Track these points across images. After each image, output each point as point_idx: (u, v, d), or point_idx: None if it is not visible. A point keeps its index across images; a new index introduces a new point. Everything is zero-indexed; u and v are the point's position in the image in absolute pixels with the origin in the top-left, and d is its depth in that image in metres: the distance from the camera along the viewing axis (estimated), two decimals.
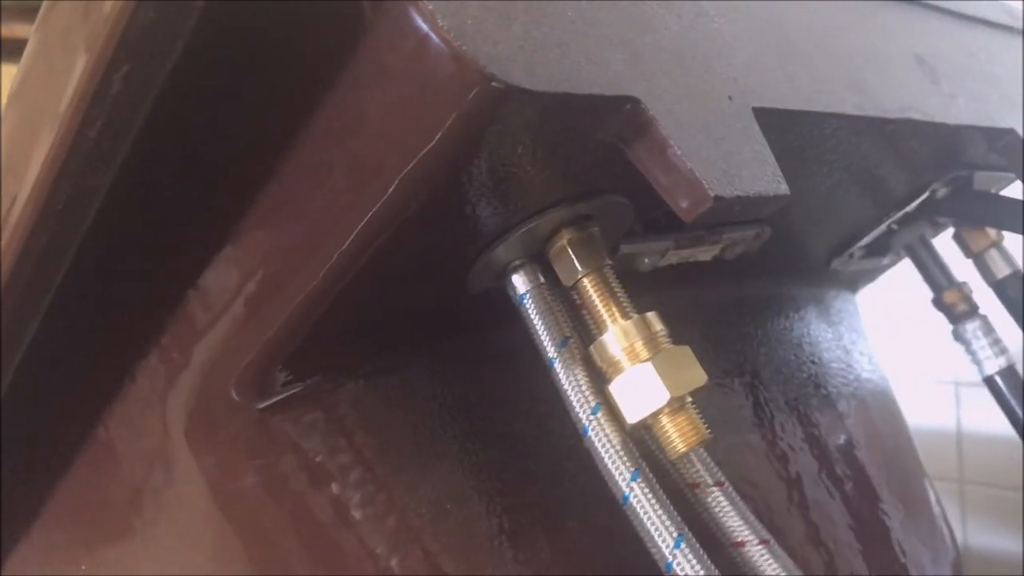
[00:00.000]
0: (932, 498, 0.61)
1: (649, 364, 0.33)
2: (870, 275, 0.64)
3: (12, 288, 0.35)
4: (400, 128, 0.29)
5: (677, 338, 0.51)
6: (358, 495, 0.39)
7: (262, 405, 0.39)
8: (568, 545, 0.41)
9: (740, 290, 0.53)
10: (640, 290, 0.41)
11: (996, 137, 0.51)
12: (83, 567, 0.47)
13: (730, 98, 0.34)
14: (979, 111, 0.50)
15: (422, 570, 0.39)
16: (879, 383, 0.61)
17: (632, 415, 0.34)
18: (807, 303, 0.58)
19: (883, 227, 0.56)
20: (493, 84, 0.27)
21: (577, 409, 0.35)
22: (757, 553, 0.35)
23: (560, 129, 0.30)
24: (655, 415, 0.34)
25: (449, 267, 0.36)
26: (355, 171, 0.31)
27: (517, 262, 0.36)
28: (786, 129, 0.38)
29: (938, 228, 0.60)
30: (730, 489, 0.35)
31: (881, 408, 0.61)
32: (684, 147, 0.30)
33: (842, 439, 0.58)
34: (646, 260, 0.41)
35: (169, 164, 0.33)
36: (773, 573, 0.36)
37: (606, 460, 0.35)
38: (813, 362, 0.56)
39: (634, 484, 0.34)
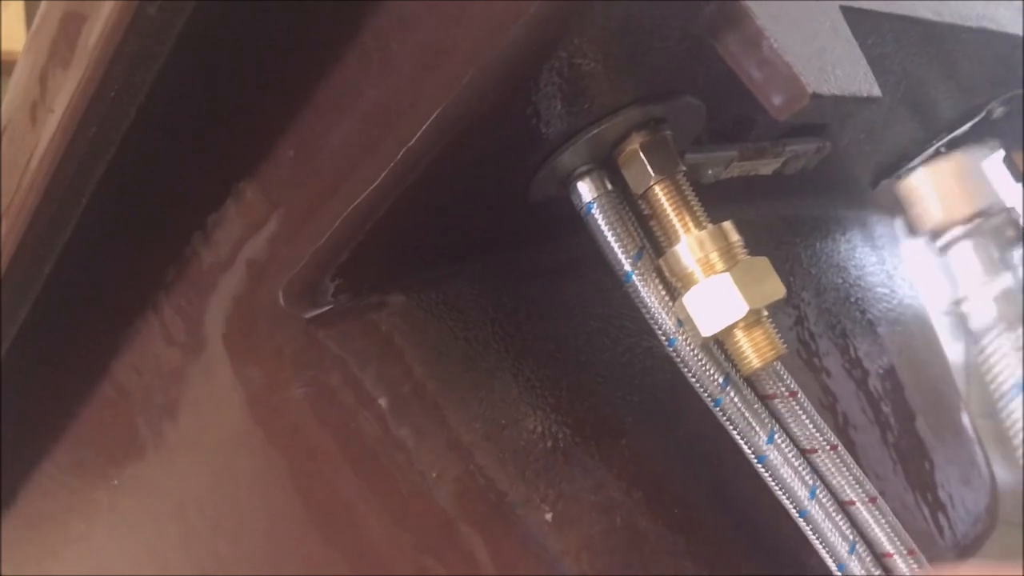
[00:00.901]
0: (969, 426, 0.60)
1: (727, 275, 0.32)
2: None
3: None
4: (477, 14, 0.26)
5: None
6: (407, 410, 0.38)
7: (310, 315, 0.37)
8: (621, 462, 0.39)
9: (790, 209, 0.52)
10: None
11: None
12: (115, 482, 0.46)
13: None
14: None
15: (473, 487, 0.38)
16: (919, 310, 0.60)
17: (707, 328, 0.32)
18: (853, 225, 0.56)
19: (932, 149, 0.55)
20: None
21: (662, 322, 0.34)
22: (829, 460, 0.34)
23: (649, 19, 0.28)
24: (730, 328, 0.32)
25: (512, 172, 0.34)
26: (424, 61, 0.29)
27: (583, 168, 0.34)
28: (865, 32, 0.36)
29: (988, 148, 0.58)
30: (803, 398, 0.34)
31: (922, 335, 0.60)
32: (780, 40, 0.28)
33: (884, 364, 0.57)
34: (710, 171, 0.39)
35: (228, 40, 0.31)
36: (842, 479, 0.35)
37: (696, 369, 0.34)
38: (859, 285, 0.55)
39: (728, 389, 0.33)
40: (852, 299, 0.55)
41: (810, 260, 0.52)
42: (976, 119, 0.53)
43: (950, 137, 0.54)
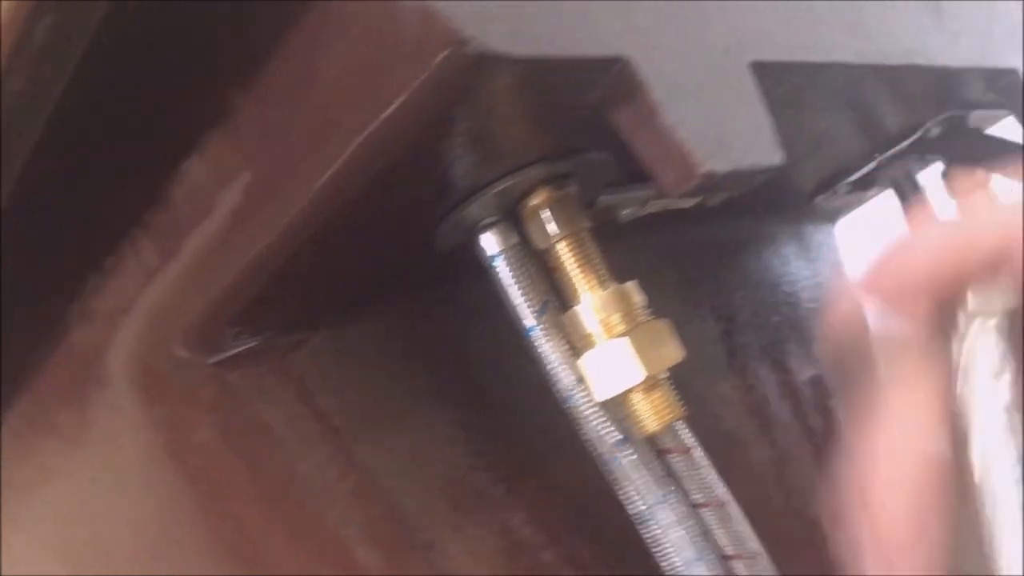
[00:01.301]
0: None
1: (626, 339, 0.31)
2: (852, 207, 0.62)
3: None
4: (358, 90, 0.26)
5: (654, 282, 0.49)
6: (317, 451, 0.37)
7: (214, 360, 0.36)
8: (529, 503, 0.39)
9: (719, 231, 0.51)
10: (615, 234, 0.38)
11: (996, 77, 0.49)
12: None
13: (727, 52, 0.31)
14: (981, 50, 0.47)
15: (383, 527, 0.38)
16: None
17: (603, 392, 0.32)
18: (786, 240, 0.56)
19: (871, 165, 0.54)
20: (467, 48, 0.23)
21: (561, 378, 0.33)
22: (711, 517, 0.34)
23: (541, 93, 0.27)
24: (628, 392, 0.32)
25: (414, 224, 0.33)
26: (310, 133, 0.28)
27: (489, 220, 0.34)
28: (782, 80, 0.35)
29: (927, 163, 0.58)
30: (699, 453, 0.34)
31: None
32: (675, 114, 0.28)
33: (813, 374, 0.57)
34: (626, 211, 0.39)
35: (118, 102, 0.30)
36: (729, 534, 0.35)
37: (595, 428, 0.33)
38: (789, 303, 0.55)
39: (623, 448, 0.33)
40: (782, 317, 0.55)
41: (738, 282, 0.52)
42: (913, 138, 0.52)
43: (890, 153, 0.54)
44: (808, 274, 0.57)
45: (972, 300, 0.28)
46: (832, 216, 0.61)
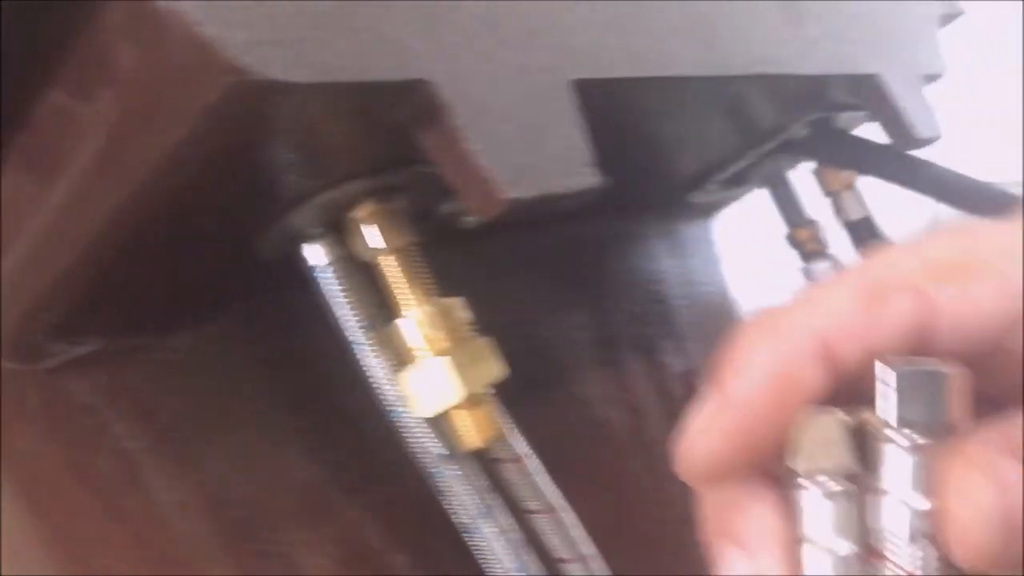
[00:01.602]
0: None
1: (445, 358, 0.31)
2: (727, 203, 0.63)
3: None
4: (139, 120, 0.25)
5: (525, 282, 0.49)
6: (155, 458, 0.37)
7: (39, 367, 0.35)
8: (374, 510, 0.39)
9: (590, 229, 0.51)
10: (483, 235, 0.38)
11: (858, 82, 0.49)
12: None
13: (546, 71, 0.31)
14: (842, 56, 0.47)
15: (225, 533, 0.38)
16: (725, 316, 0.61)
17: (424, 409, 0.32)
18: (655, 238, 0.56)
19: (741, 163, 0.55)
20: (244, 78, 0.23)
21: (387, 394, 0.33)
22: (544, 524, 0.35)
23: (340, 116, 0.27)
24: (450, 410, 0.32)
25: (237, 233, 0.33)
26: (106, 151, 0.27)
27: (314, 232, 0.33)
28: (615, 96, 0.35)
29: (798, 162, 0.59)
30: (532, 461, 0.34)
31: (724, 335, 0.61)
32: (479, 139, 0.27)
33: (684, 369, 0.58)
34: (469, 218, 0.38)
35: None
36: (560, 540, 0.36)
37: (418, 442, 0.33)
38: (660, 300, 0.55)
39: (448, 463, 0.33)
40: (655, 312, 0.55)
41: (608, 282, 0.52)
42: (780, 138, 0.53)
43: (757, 153, 0.54)
44: (680, 271, 0.58)
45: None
46: (707, 212, 0.62)
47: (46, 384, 0.36)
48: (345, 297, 0.33)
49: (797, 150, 0.54)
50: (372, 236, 0.32)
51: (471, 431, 0.32)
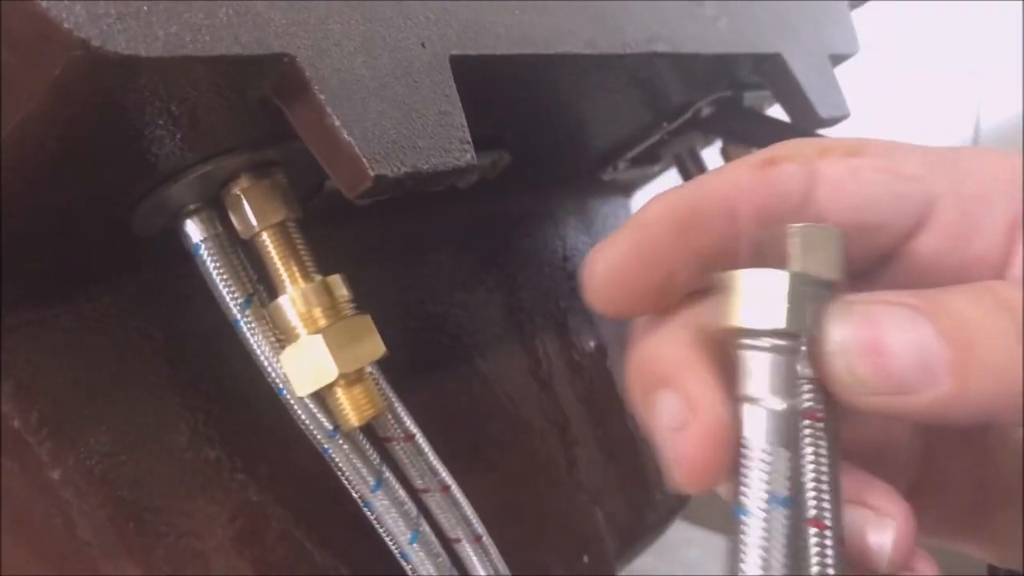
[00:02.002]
0: None
1: (320, 336, 0.31)
2: (642, 181, 0.63)
3: None
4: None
5: (427, 260, 0.49)
6: (31, 442, 0.36)
7: None
8: (262, 487, 0.39)
9: (495, 207, 0.51)
10: (380, 210, 0.38)
11: (759, 62, 0.50)
12: None
13: (423, 45, 0.30)
14: (743, 36, 0.47)
15: (109, 517, 0.37)
16: None
17: (301, 388, 0.32)
18: (567, 215, 0.56)
19: (650, 141, 0.55)
20: (86, 51, 0.22)
21: (271, 373, 0.33)
22: (440, 500, 0.35)
23: (203, 90, 0.26)
24: (328, 387, 0.32)
25: (109, 209, 0.32)
26: None
27: (192, 206, 0.33)
28: (501, 74, 0.35)
29: (709, 140, 0.59)
30: (420, 440, 0.34)
31: None
32: (345, 114, 0.27)
33: (594, 344, 0.58)
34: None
35: None
36: (452, 518, 0.36)
37: (305, 419, 0.33)
38: (570, 277, 0.55)
39: (336, 439, 0.33)
40: (567, 288, 0.55)
41: (520, 260, 0.52)
42: (686, 116, 0.53)
43: (664, 131, 0.55)
44: (592, 248, 0.58)
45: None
46: (623, 190, 0.62)
47: None
48: (221, 274, 0.32)
49: (705, 128, 0.54)
50: (248, 212, 0.32)
51: (347, 410, 0.32)
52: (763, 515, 0.23)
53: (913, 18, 1.02)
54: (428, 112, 0.29)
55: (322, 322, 0.32)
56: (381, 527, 0.34)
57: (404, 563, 0.34)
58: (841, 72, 0.57)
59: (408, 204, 0.45)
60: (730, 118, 0.54)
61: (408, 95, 0.29)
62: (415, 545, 0.34)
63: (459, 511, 0.36)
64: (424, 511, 0.36)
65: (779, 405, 0.23)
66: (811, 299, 0.23)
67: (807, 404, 0.23)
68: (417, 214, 0.48)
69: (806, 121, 0.51)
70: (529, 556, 0.48)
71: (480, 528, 0.37)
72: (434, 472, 0.36)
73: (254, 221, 0.32)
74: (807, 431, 0.23)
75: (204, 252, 0.33)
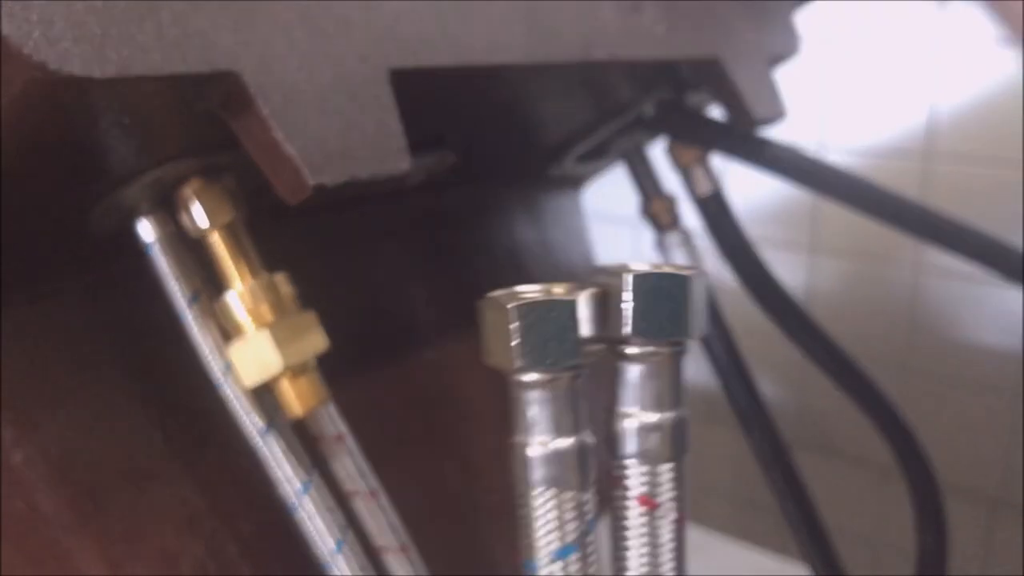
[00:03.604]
0: None
1: (267, 331, 0.33)
2: (590, 176, 0.65)
3: None
4: None
5: (376, 254, 0.51)
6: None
7: None
8: (206, 475, 0.41)
9: (444, 201, 0.53)
10: (323, 207, 0.40)
11: (698, 66, 0.52)
12: None
13: (363, 60, 0.32)
14: (680, 40, 0.50)
15: (61, 500, 0.39)
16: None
17: (248, 379, 0.34)
18: (515, 209, 0.58)
19: (596, 138, 0.57)
20: (43, 74, 0.24)
21: (211, 366, 0.35)
22: (362, 506, 0.36)
23: (154, 104, 0.28)
24: (274, 380, 0.34)
25: (67, 210, 0.34)
26: None
27: (145, 207, 0.34)
28: (442, 83, 0.37)
29: (654, 137, 0.62)
30: (350, 441, 0.36)
31: None
32: (287, 127, 0.29)
33: None
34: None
35: None
36: (376, 524, 0.38)
37: (239, 413, 0.35)
38: (517, 268, 0.58)
39: (267, 436, 0.35)
40: (511, 280, 0.57)
41: (473, 247, 0.54)
42: (628, 116, 0.55)
43: (607, 130, 0.57)
44: (540, 240, 0.60)
45: None
46: (571, 184, 0.64)
47: None
48: (171, 271, 0.34)
49: (649, 127, 0.57)
50: (198, 213, 0.34)
51: (293, 400, 0.34)
52: None
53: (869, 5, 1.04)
54: (367, 123, 0.32)
55: (268, 317, 0.34)
56: (307, 531, 0.36)
57: (326, 570, 0.36)
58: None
59: (356, 199, 0.47)
60: (672, 118, 0.56)
61: (348, 107, 0.31)
62: (339, 555, 0.35)
63: (385, 518, 0.38)
64: (351, 517, 0.37)
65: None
66: None
67: None
68: (366, 208, 0.50)
69: (742, 121, 0.53)
70: (477, 537, 0.51)
71: (405, 538, 0.38)
72: (363, 476, 0.37)
73: (204, 222, 0.34)
74: None
75: (156, 250, 0.34)
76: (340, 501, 0.36)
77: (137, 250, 0.36)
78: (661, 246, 0.61)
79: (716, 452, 1.17)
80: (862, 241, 1.08)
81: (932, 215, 0.54)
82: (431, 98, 0.40)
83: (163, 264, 0.34)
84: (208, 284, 0.35)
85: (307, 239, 0.48)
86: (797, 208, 1.12)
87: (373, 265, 0.52)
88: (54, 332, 0.39)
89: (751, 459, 0.60)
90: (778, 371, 1.13)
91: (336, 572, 0.35)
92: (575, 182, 0.65)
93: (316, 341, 0.34)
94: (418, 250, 0.53)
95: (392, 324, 0.52)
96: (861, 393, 0.59)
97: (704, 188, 0.59)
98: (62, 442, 0.39)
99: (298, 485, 0.34)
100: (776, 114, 0.56)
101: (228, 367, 0.34)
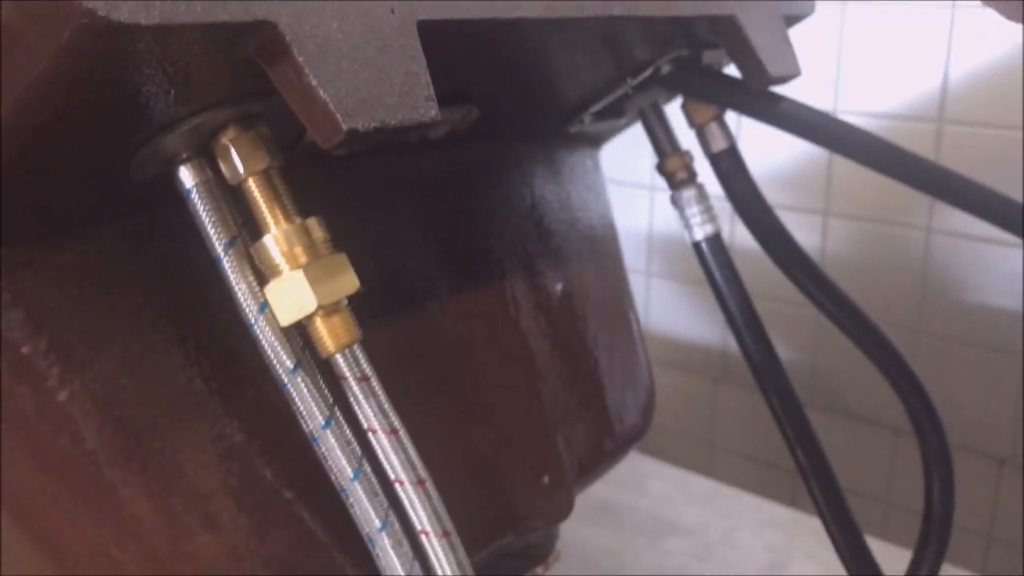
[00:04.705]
0: (635, 332, 0.67)
1: (301, 272, 0.35)
2: (609, 134, 0.66)
3: None
4: (13, 50, 0.27)
5: (401, 206, 0.53)
6: (40, 372, 0.40)
7: None
8: (243, 413, 0.43)
9: (465, 155, 0.54)
10: (356, 159, 0.41)
11: (714, 24, 0.53)
12: None
13: (392, 11, 0.34)
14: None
15: (107, 439, 0.41)
16: (604, 239, 0.65)
17: (283, 318, 0.35)
18: (535, 164, 0.60)
19: (614, 96, 0.58)
20: (92, 20, 0.26)
21: (244, 308, 0.37)
22: (384, 441, 0.38)
23: (192, 53, 0.30)
24: (308, 318, 0.36)
25: (110, 157, 0.35)
26: None
27: (185, 155, 0.36)
28: (466, 36, 0.39)
29: (671, 95, 0.63)
30: (373, 383, 0.38)
31: (601, 262, 0.65)
32: (321, 74, 0.31)
33: (565, 294, 0.62)
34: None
35: None
36: (397, 460, 0.39)
37: (269, 352, 0.37)
38: (537, 224, 0.59)
39: (294, 375, 0.37)
40: (535, 234, 0.59)
41: (496, 202, 0.56)
42: (646, 74, 0.57)
43: (625, 88, 0.58)
44: (559, 196, 0.62)
45: None
46: (591, 142, 0.66)
47: None
48: (210, 217, 0.36)
49: (666, 85, 0.58)
50: (235, 160, 0.35)
51: (326, 337, 0.36)
52: None
53: None
54: (396, 72, 0.33)
55: (303, 259, 0.35)
56: (327, 462, 0.38)
57: (344, 497, 0.38)
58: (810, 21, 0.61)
59: (383, 153, 0.48)
60: (689, 76, 0.57)
61: (378, 57, 0.33)
62: (356, 483, 0.37)
63: (403, 455, 0.39)
64: (371, 453, 0.39)
65: None
66: None
67: None
68: (392, 163, 0.52)
69: (757, 79, 0.54)
70: (492, 476, 0.53)
71: (424, 473, 0.40)
72: (384, 414, 0.39)
73: (241, 168, 0.35)
74: None
75: (195, 196, 0.36)
76: (360, 438, 0.38)
77: (176, 197, 0.38)
78: (676, 202, 0.62)
79: (730, 410, 1.19)
80: (875, 204, 1.09)
81: (943, 171, 0.55)
82: (452, 56, 0.42)
83: (201, 210, 0.36)
84: (243, 230, 0.37)
85: (333, 192, 0.49)
86: (810, 173, 1.13)
87: (396, 217, 0.53)
88: (97, 276, 0.41)
89: (765, 417, 0.62)
90: (791, 333, 1.14)
91: (352, 499, 0.37)
92: (594, 140, 0.67)
93: (348, 282, 0.36)
94: (441, 204, 0.55)
95: (414, 276, 0.54)
96: (871, 347, 0.60)
97: (719, 144, 0.60)
98: (105, 381, 0.41)
99: (320, 420, 0.36)
100: (791, 72, 0.57)
101: (262, 309, 0.36)
